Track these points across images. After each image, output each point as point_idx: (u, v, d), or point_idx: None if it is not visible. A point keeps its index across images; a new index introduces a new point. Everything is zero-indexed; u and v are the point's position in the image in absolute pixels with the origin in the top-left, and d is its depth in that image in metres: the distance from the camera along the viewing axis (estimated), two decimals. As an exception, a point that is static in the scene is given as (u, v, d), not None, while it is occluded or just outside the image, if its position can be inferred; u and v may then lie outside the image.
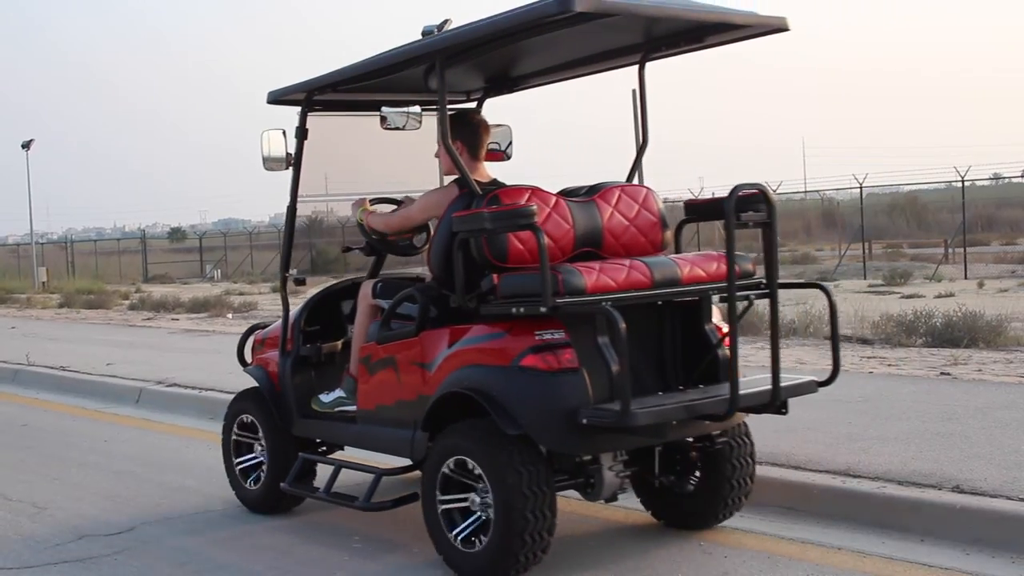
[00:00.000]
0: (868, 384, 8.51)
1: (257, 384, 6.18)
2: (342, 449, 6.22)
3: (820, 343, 11.80)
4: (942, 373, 9.00)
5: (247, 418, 6.24)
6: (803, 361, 10.16)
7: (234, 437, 6.31)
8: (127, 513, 6.33)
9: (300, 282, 6.32)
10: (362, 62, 5.44)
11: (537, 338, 4.59)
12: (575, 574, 4.87)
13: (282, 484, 5.87)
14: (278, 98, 6.01)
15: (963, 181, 29.92)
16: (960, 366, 9.34)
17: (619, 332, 4.28)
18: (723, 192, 4.71)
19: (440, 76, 5.10)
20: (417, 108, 5.68)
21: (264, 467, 6.12)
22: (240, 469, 6.28)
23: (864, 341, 11.72)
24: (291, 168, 5.96)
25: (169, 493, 6.79)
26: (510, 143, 6.20)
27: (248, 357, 6.55)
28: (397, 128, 5.55)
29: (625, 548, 5.19)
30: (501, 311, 4.70)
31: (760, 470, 5.89)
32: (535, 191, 5.01)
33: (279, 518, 6.02)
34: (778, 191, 33.86)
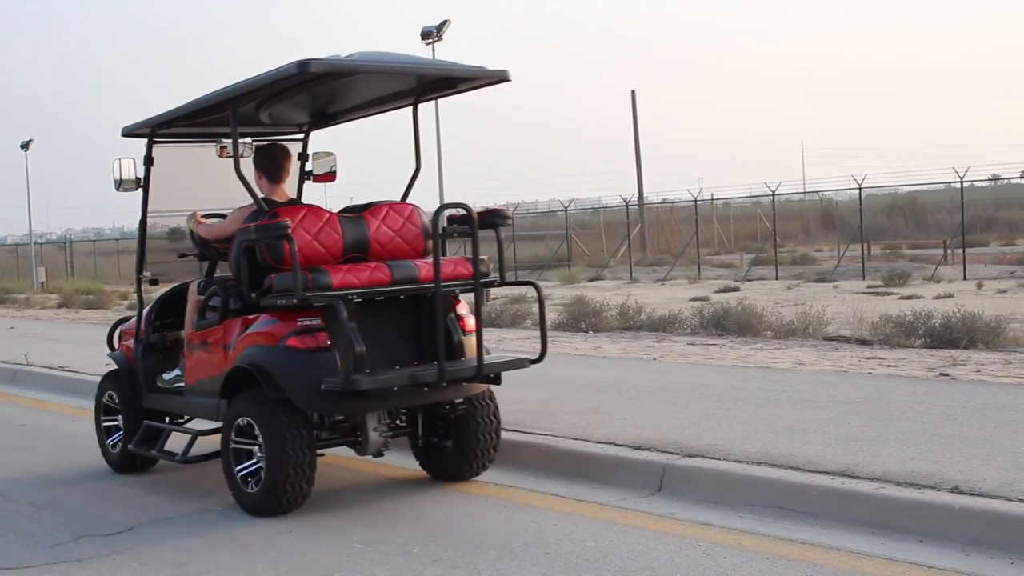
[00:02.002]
0: (867, 385, 8.52)
1: (117, 366, 7.49)
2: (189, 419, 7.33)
3: (820, 344, 11.81)
4: (941, 374, 9.00)
5: (111, 394, 7.55)
6: (802, 362, 10.17)
7: (103, 414, 7.61)
8: (126, 513, 6.32)
9: (154, 282, 7.63)
10: (181, 105, 6.69)
11: (299, 324, 5.90)
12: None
13: (129, 446, 7.21)
14: (130, 132, 7.30)
15: (962, 182, 29.91)
16: (959, 367, 9.34)
17: (342, 318, 5.66)
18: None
19: (232, 118, 6.30)
20: (248, 139, 7.32)
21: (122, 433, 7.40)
22: (106, 432, 7.59)
23: (863, 342, 11.72)
24: (141, 189, 7.26)
25: (168, 493, 6.78)
26: (334, 167, 7.70)
27: (117, 344, 7.71)
28: (239, 156, 6.62)
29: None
30: (272, 303, 6.00)
31: (759, 471, 5.92)
32: (311, 209, 6.32)
33: (278, 519, 6.02)
34: (777, 191, 33.88)
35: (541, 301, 6.64)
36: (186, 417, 7.29)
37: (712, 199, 44.56)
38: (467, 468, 6.58)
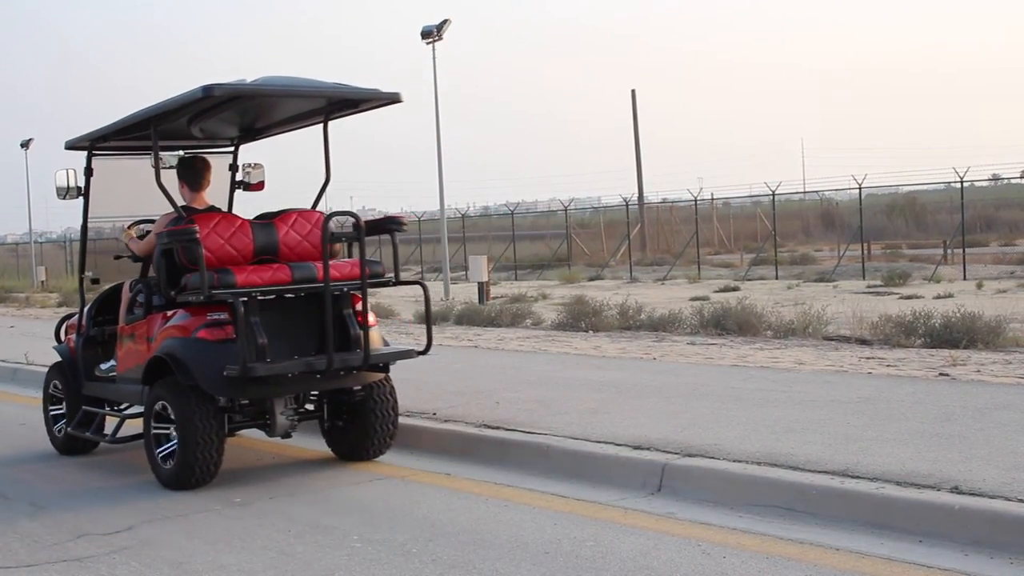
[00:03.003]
0: (867, 385, 8.52)
1: (61, 358, 8.25)
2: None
3: (820, 343, 11.81)
4: (941, 374, 9.00)
5: (55, 383, 8.31)
6: (802, 362, 10.17)
7: (49, 404, 8.34)
8: (126, 512, 6.32)
9: (95, 281, 8.32)
10: (113, 123, 7.40)
11: (208, 318, 6.67)
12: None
13: (68, 429, 8.00)
14: (71, 146, 8.06)
15: (962, 182, 29.90)
16: (959, 367, 9.34)
17: (240, 313, 6.41)
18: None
19: (154, 135, 7.08)
20: (182, 152, 8.09)
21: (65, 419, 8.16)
22: (52, 420, 8.30)
23: (863, 342, 11.71)
24: (81, 198, 7.91)
25: (168, 493, 6.78)
26: (263, 178, 8.49)
27: (63, 338, 8.41)
28: (171, 167, 7.61)
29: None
30: (187, 299, 6.76)
31: (759, 470, 5.92)
32: (225, 216, 7.18)
33: (278, 519, 6.03)
34: (777, 191, 33.89)
35: (427, 300, 7.60)
36: (124, 404, 7.89)
37: (712, 199, 44.58)
38: (367, 449, 7.34)
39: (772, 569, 4.81)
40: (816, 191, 45.89)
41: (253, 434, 8.11)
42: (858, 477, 5.64)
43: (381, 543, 5.46)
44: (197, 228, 6.66)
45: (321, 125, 7.64)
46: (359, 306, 7.04)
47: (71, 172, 7.84)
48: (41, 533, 5.96)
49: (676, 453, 6.42)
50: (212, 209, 7.39)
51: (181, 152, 8.08)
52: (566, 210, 41.81)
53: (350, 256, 7.41)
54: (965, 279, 25.55)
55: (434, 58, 28.11)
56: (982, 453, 5.97)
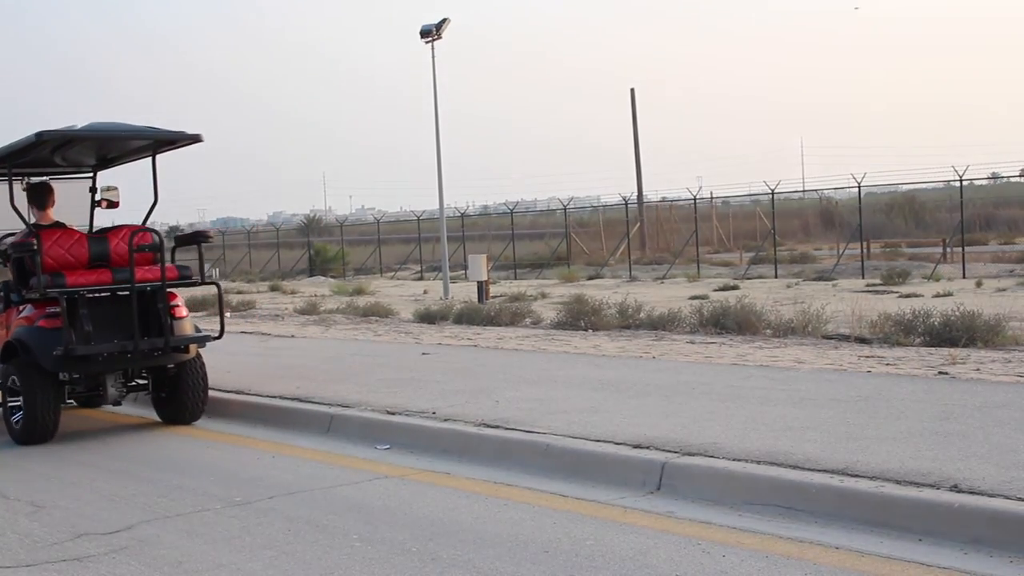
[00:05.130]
0: (866, 383, 8.52)
1: None
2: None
3: (819, 342, 11.81)
4: (940, 372, 9.00)
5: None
6: (801, 360, 10.17)
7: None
8: (125, 512, 6.32)
9: None
10: None
11: (47, 310, 8.67)
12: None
13: None
14: None
15: (961, 180, 29.90)
16: (958, 365, 9.34)
17: (64, 307, 8.40)
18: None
19: (8, 167, 8.98)
20: (45, 178, 10.01)
21: None
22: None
23: (862, 340, 11.71)
24: None
25: (167, 492, 6.78)
26: (118, 198, 10.10)
27: None
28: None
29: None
30: (33, 296, 8.67)
31: (758, 469, 5.92)
32: (66, 231, 9.14)
33: (277, 519, 6.03)
34: (776, 190, 33.91)
35: (220, 297, 9.70)
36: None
37: (711, 197, 44.54)
38: (183, 415, 9.36)
39: (771, 568, 4.81)
40: (815, 190, 45.89)
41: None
42: (857, 476, 5.64)
43: (381, 542, 5.46)
44: (34, 242, 8.58)
45: (151, 158, 9.52)
46: (173, 301, 9.04)
47: None
48: (41, 533, 5.96)
49: (675, 452, 6.42)
50: (57, 225, 9.28)
51: (45, 178, 10.04)
52: (565, 209, 41.80)
53: (174, 262, 9.45)
54: (964, 277, 25.56)
55: (433, 57, 28.13)
56: (981, 451, 5.97)
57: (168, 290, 8.99)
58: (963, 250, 28.75)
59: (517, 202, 44.95)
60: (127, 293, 8.79)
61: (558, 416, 7.71)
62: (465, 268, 32.53)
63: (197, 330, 9.35)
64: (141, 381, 9.37)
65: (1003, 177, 52.06)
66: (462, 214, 47.83)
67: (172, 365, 9.15)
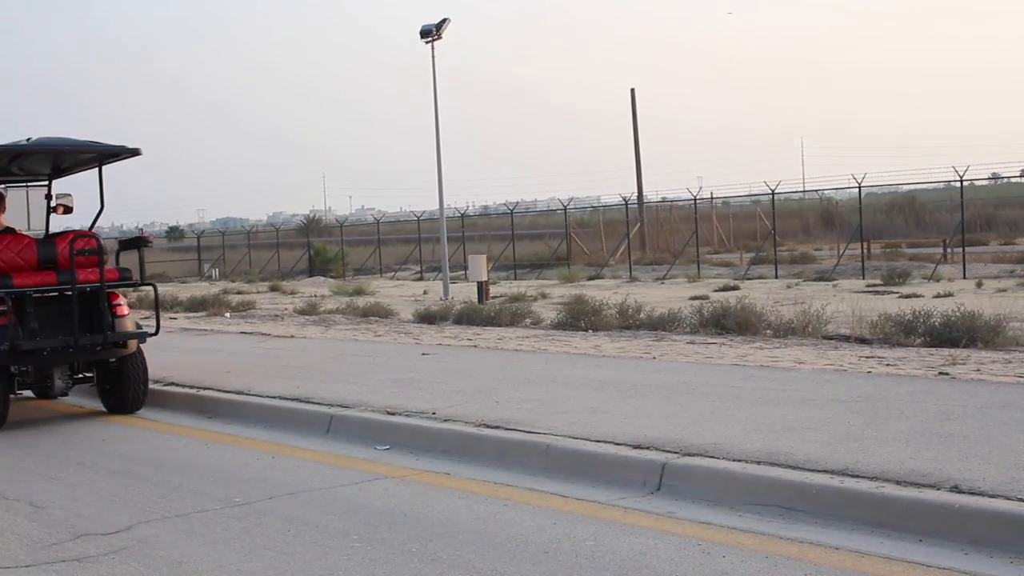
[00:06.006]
0: (866, 384, 8.51)
1: None
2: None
3: (819, 342, 11.81)
4: (940, 373, 9.00)
5: None
6: (802, 361, 10.16)
7: None
8: (124, 512, 6.32)
9: None
10: None
11: None
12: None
13: None
14: None
15: (962, 181, 29.90)
16: (959, 366, 9.34)
17: (9, 305, 9.20)
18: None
19: None
20: (2, 187, 10.83)
21: None
22: None
23: (862, 341, 11.71)
24: None
25: (167, 492, 6.78)
26: (72, 204, 10.81)
27: None
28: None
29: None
30: None
31: (758, 469, 5.92)
32: (16, 236, 9.95)
33: (277, 519, 6.02)
34: (777, 190, 33.90)
35: (156, 296, 10.39)
36: None
37: (712, 198, 44.52)
38: (126, 405, 10.06)
39: (771, 568, 4.81)
40: (816, 190, 45.91)
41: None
42: (858, 476, 5.64)
43: (381, 543, 5.45)
44: None
45: (97, 168, 10.32)
46: (116, 300, 9.76)
47: None
48: (40, 533, 5.95)
49: (676, 452, 6.42)
50: (7, 230, 10.01)
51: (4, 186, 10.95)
52: (565, 209, 41.80)
53: (117, 265, 10.11)
54: (965, 278, 25.56)
55: (433, 57, 28.13)
56: (982, 452, 5.97)
57: (111, 291, 9.75)
58: (963, 250, 28.75)
59: (517, 202, 44.98)
60: (67, 294, 9.48)
61: (558, 416, 7.71)
62: (465, 268, 32.53)
63: (137, 327, 10.05)
64: (88, 374, 10.07)
65: (1004, 177, 52.11)
66: (462, 214, 47.83)
67: (113, 360, 9.90)
